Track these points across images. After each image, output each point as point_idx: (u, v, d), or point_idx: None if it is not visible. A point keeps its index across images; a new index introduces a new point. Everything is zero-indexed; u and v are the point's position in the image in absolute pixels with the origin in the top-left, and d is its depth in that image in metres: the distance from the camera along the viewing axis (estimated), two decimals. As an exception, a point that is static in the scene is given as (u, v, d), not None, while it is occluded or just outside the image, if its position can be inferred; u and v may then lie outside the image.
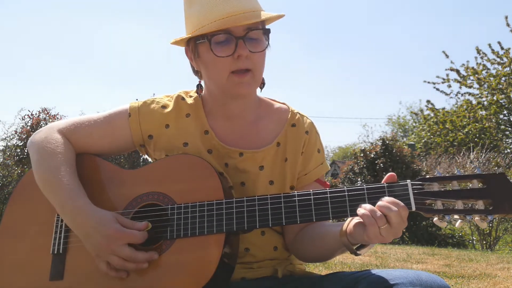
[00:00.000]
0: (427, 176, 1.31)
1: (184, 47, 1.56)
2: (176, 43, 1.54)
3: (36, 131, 1.59)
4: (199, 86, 1.58)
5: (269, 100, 1.66)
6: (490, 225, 9.20)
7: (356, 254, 1.35)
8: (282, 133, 1.58)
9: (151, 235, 1.37)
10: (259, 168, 1.53)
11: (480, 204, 1.24)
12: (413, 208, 1.25)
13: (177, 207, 1.39)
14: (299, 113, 1.64)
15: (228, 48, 1.41)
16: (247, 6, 1.42)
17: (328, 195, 1.32)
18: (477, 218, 1.23)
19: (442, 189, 1.27)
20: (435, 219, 1.26)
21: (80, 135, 1.56)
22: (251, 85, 1.46)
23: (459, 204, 1.25)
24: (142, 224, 1.36)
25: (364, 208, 1.24)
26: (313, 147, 1.60)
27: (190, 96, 1.62)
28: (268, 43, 1.49)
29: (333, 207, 1.31)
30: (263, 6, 1.52)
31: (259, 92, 1.60)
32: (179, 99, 1.60)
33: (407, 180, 1.28)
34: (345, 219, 1.36)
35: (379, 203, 1.24)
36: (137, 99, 1.63)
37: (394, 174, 1.32)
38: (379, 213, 1.22)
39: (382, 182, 1.31)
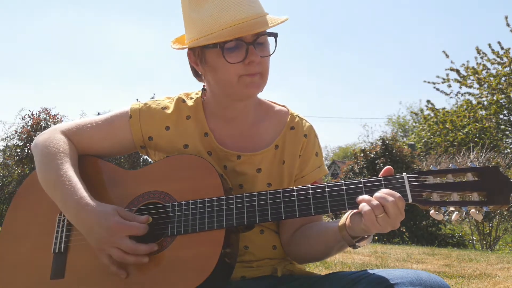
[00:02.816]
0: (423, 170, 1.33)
1: (186, 49, 1.54)
2: (177, 41, 1.55)
3: (40, 134, 1.61)
4: (203, 90, 1.59)
5: (269, 102, 1.67)
6: (490, 225, 9.21)
7: (355, 247, 1.37)
8: (281, 136, 1.59)
9: (152, 233, 1.38)
10: (256, 171, 1.54)
11: (475, 196, 1.26)
12: (410, 200, 1.28)
13: (178, 205, 1.40)
14: (298, 116, 1.64)
15: (239, 54, 1.41)
16: (255, 12, 1.42)
17: (326, 189, 1.34)
18: (472, 210, 1.26)
19: (438, 182, 1.29)
20: (432, 211, 1.28)
21: (82, 137, 1.58)
22: (260, 86, 1.47)
23: (455, 196, 1.27)
24: (143, 217, 1.37)
25: (362, 198, 1.27)
26: (311, 150, 1.61)
27: (191, 98, 1.63)
28: (276, 45, 1.49)
29: (331, 201, 1.32)
30: (265, 8, 1.52)
31: (259, 94, 1.61)
32: (180, 101, 1.61)
33: (403, 173, 1.31)
34: (341, 215, 1.38)
35: (376, 194, 1.27)
36: (137, 100, 1.65)
37: (391, 167, 1.34)
38: (376, 201, 1.24)
39: (379, 176, 1.33)
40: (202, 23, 1.42)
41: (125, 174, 1.52)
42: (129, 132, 1.57)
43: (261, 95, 1.61)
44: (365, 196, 1.27)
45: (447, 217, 1.28)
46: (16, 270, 1.48)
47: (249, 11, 1.40)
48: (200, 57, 1.49)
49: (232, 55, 1.41)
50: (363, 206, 1.25)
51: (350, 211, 1.34)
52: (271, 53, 1.46)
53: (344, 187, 1.33)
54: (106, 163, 1.57)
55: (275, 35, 1.47)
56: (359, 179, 1.33)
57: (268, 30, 1.46)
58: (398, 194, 1.25)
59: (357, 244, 1.36)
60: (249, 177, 1.53)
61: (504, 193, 1.24)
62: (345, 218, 1.36)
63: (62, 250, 1.45)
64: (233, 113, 1.57)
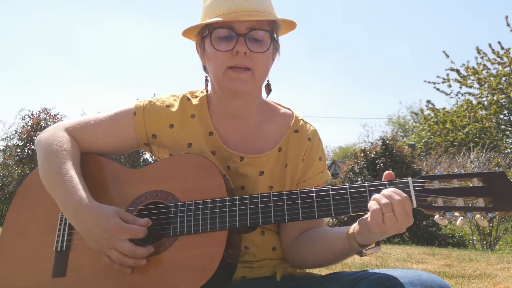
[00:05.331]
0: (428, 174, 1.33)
1: (195, 43, 1.58)
2: (186, 35, 1.56)
3: (43, 130, 1.60)
4: (207, 80, 1.59)
5: (275, 104, 1.66)
6: (491, 225, 9.20)
7: (362, 255, 1.37)
8: (284, 139, 1.58)
9: (154, 233, 1.38)
10: (259, 174, 1.54)
11: (480, 202, 1.25)
12: (415, 205, 1.27)
13: (180, 205, 1.40)
14: (303, 120, 1.64)
15: (229, 43, 1.43)
16: (254, 6, 1.43)
17: (330, 192, 1.33)
18: (477, 216, 1.25)
19: (443, 187, 1.28)
20: (436, 216, 1.27)
21: (86, 134, 1.58)
22: (247, 83, 1.46)
23: (460, 202, 1.26)
24: (143, 220, 1.36)
25: (373, 197, 1.27)
26: (314, 154, 1.60)
27: (196, 97, 1.62)
28: (272, 46, 1.49)
29: (335, 204, 1.32)
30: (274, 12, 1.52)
31: (265, 97, 1.61)
32: (185, 100, 1.61)
33: (408, 178, 1.30)
34: (345, 218, 1.37)
35: (384, 191, 1.26)
36: (137, 99, 1.64)
37: (391, 172, 1.34)
38: (385, 200, 1.24)
39: (382, 180, 1.32)
40: (204, 11, 1.50)
41: (127, 173, 1.52)
42: (133, 130, 1.57)
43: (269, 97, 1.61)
44: (376, 195, 1.27)
45: (450, 222, 1.28)
46: (18, 267, 1.48)
47: (246, 4, 1.42)
48: (201, 46, 1.53)
49: (222, 43, 1.44)
50: (372, 204, 1.25)
51: (359, 218, 1.33)
52: (264, 50, 1.45)
53: (348, 191, 1.32)
54: (109, 161, 1.57)
55: (271, 33, 1.47)
56: (360, 181, 1.32)
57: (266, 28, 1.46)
58: (405, 195, 1.25)
59: (364, 251, 1.35)
60: (251, 179, 1.53)
61: (510, 199, 1.23)
62: (353, 226, 1.36)
63: (64, 249, 1.45)
64: (234, 111, 1.56)
